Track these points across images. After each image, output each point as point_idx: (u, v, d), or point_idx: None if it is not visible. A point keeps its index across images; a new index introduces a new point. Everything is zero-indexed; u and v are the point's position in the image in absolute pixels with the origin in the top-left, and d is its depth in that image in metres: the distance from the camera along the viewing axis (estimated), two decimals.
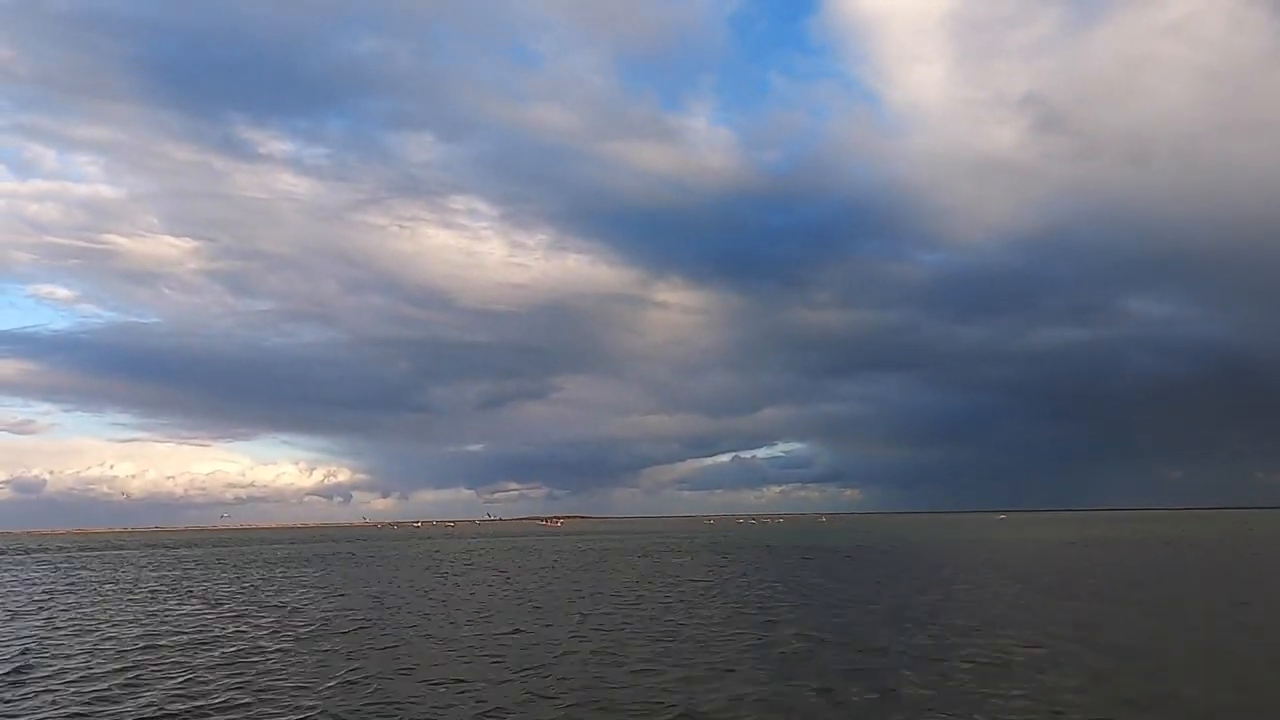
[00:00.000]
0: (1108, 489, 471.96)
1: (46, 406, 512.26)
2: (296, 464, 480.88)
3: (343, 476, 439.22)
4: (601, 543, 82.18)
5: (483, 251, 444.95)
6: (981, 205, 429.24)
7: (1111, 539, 67.99)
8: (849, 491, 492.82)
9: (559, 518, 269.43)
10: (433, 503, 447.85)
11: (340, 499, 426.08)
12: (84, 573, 46.86)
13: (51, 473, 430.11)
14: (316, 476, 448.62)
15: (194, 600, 29.19)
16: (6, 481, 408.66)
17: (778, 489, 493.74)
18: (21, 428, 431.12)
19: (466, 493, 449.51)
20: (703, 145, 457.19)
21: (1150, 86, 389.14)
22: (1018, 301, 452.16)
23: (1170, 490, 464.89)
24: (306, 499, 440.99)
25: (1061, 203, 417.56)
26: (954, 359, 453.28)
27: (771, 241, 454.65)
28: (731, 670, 14.86)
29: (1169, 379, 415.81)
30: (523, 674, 14.90)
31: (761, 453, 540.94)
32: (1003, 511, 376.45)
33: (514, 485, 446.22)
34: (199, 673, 15.26)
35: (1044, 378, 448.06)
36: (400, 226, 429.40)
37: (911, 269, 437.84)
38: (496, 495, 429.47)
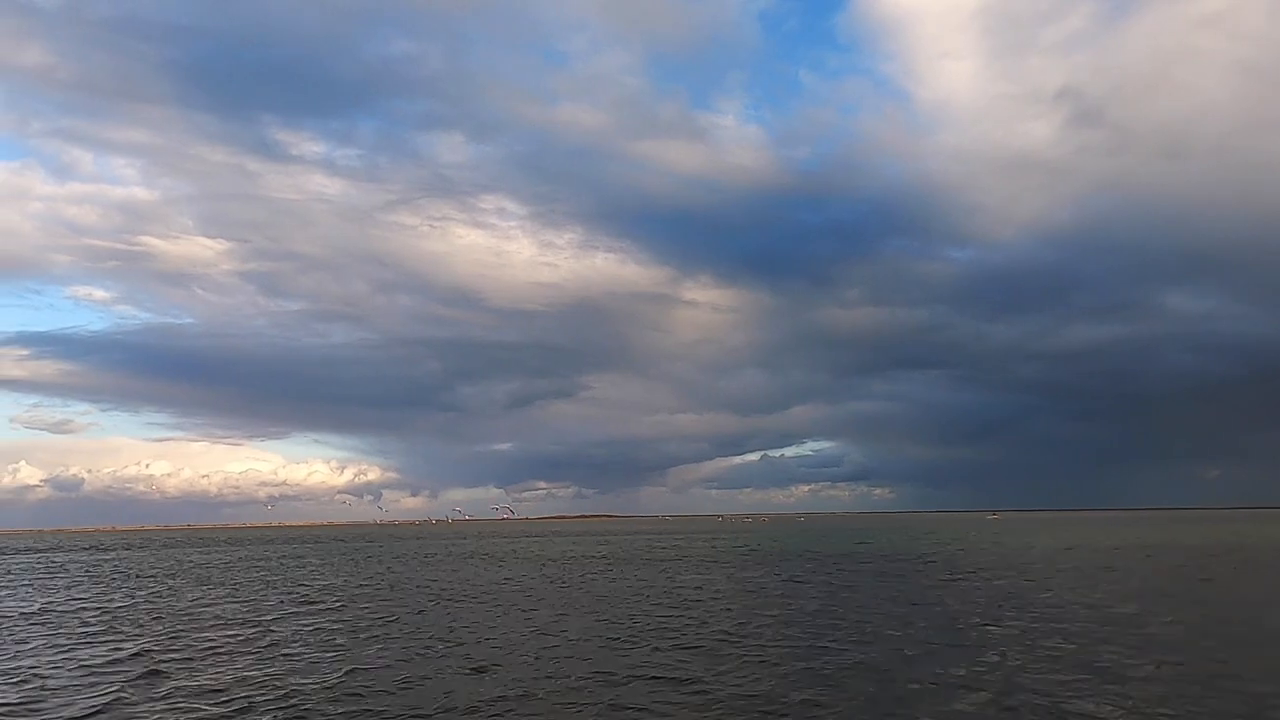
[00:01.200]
0: (1142, 488, 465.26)
1: (85, 406, 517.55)
2: (328, 463, 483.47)
3: (373, 475, 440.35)
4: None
5: (512, 251, 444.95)
6: (1013, 202, 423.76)
7: (1168, 544, 58.76)
8: (878, 491, 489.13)
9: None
10: (463, 501, 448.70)
11: (370, 497, 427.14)
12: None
13: (89, 471, 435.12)
14: (347, 475, 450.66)
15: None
16: (46, 480, 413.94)
17: (806, 488, 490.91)
18: (61, 427, 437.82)
19: (495, 491, 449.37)
20: (732, 143, 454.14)
21: (1187, 80, 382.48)
22: (1050, 298, 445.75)
23: (1207, 489, 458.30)
24: (337, 497, 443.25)
25: (1095, 198, 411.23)
26: (985, 357, 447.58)
27: (801, 240, 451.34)
28: None
29: (1205, 376, 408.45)
30: None
31: (790, 451, 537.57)
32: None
33: (542, 484, 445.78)
34: None
35: (1076, 376, 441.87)
36: (430, 226, 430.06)
37: (942, 267, 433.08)
38: (525, 494, 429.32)
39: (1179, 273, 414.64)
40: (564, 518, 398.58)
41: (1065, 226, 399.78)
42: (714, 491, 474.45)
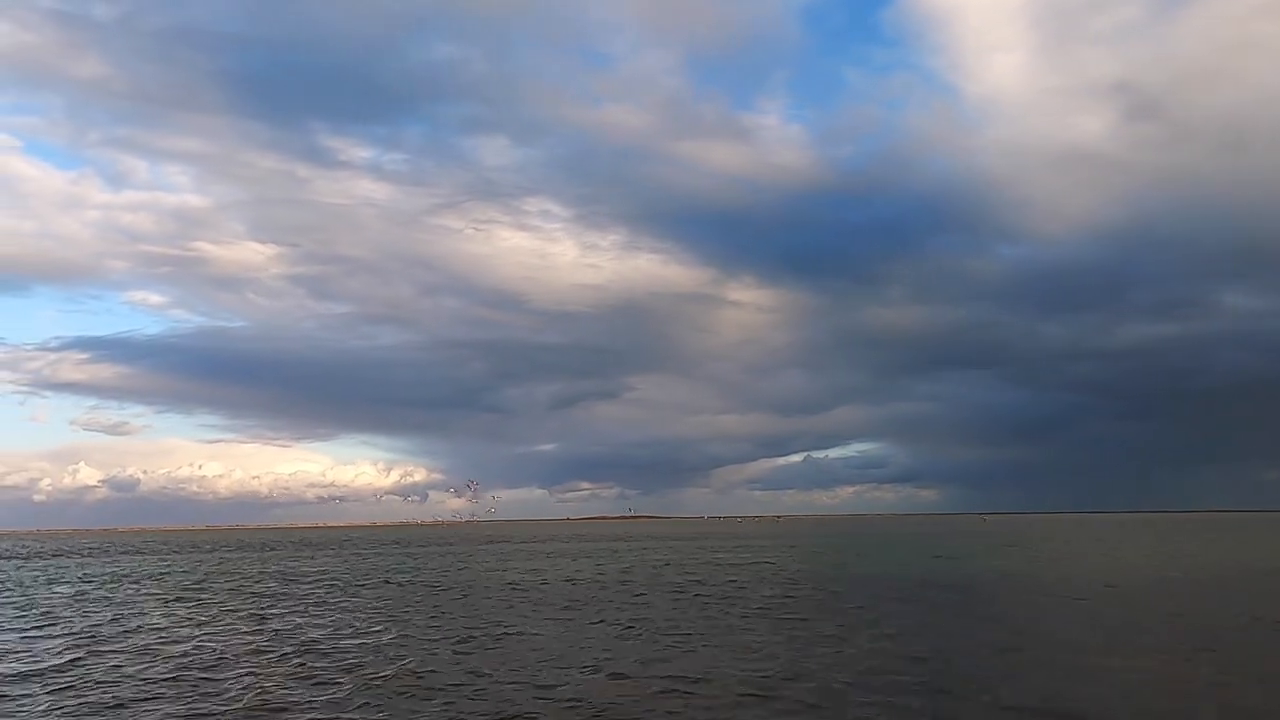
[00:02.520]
0: (1197, 490, 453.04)
1: (140, 409, 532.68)
2: (375, 464, 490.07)
3: (419, 476, 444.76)
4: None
5: (555, 253, 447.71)
6: (1065, 197, 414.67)
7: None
8: (924, 492, 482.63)
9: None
10: (507, 502, 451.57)
11: (416, 498, 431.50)
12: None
13: (145, 472, 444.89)
14: (394, 476, 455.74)
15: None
16: (104, 480, 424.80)
17: (850, 489, 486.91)
18: (118, 429, 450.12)
19: (539, 492, 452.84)
20: (775, 143, 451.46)
21: (1246, 70, 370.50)
22: (1102, 296, 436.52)
23: (1266, 492, 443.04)
24: (384, 498, 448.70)
25: (1151, 193, 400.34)
26: (1034, 356, 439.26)
27: (845, 238, 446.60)
28: None
29: (1264, 375, 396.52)
30: None
31: (834, 453, 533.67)
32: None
33: (586, 485, 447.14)
34: None
35: (1130, 375, 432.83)
36: (475, 229, 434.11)
37: (990, 264, 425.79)
38: (568, 495, 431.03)
39: (1236, 269, 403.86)
40: (605, 518, 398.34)
41: (1119, 222, 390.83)
42: (757, 492, 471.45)
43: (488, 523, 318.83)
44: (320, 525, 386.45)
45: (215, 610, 27.59)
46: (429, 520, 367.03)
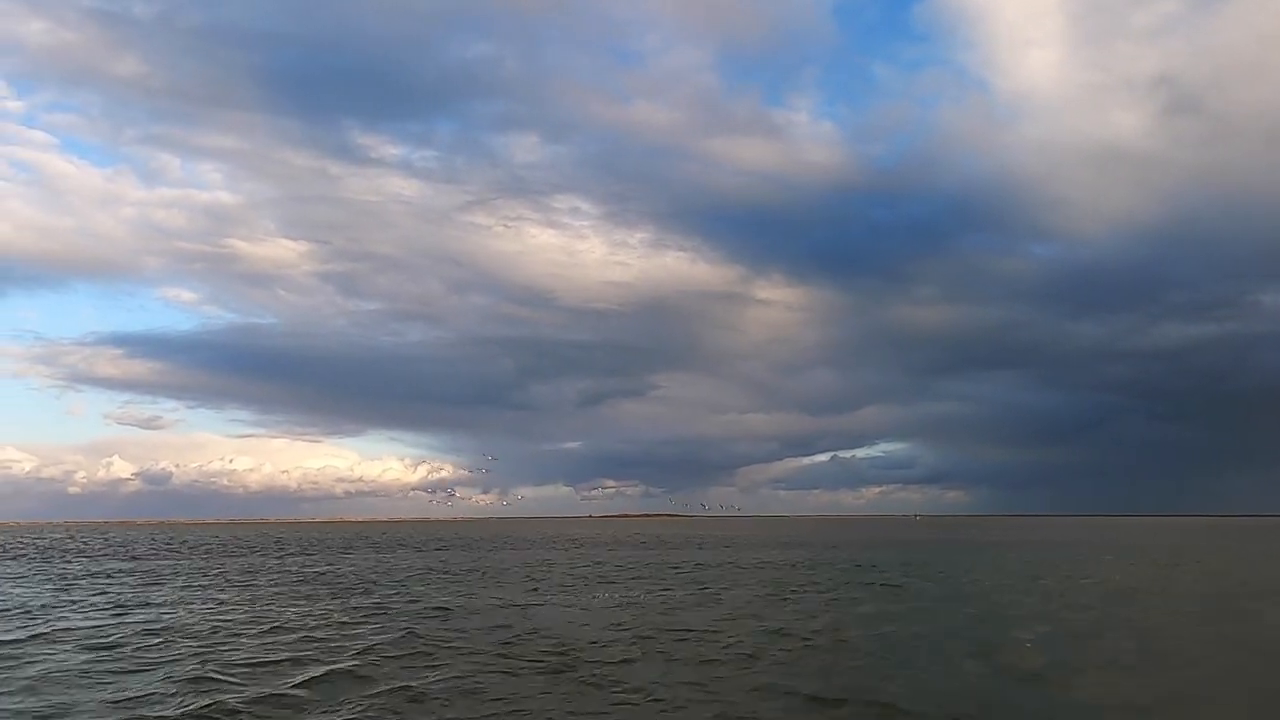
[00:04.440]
0: (1233, 493, 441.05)
1: (173, 404, 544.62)
2: (402, 460, 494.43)
3: (445, 472, 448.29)
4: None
5: (584, 250, 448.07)
6: (1100, 195, 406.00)
7: None
8: (951, 494, 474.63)
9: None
10: (533, 499, 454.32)
11: (443, 494, 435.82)
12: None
13: (177, 466, 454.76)
14: (420, 472, 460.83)
15: None
16: (138, 474, 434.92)
17: (877, 489, 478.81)
18: (151, 423, 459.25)
19: (565, 489, 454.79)
20: (805, 140, 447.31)
21: None
22: (1138, 296, 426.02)
23: None
24: (411, 494, 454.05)
25: (1190, 190, 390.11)
26: (1067, 357, 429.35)
27: (875, 237, 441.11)
28: None
29: None
30: None
31: (861, 453, 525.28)
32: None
33: (611, 482, 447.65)
34: None
35: (1166, 376, 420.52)
36: (505, 227, 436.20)
37: (1022, 263, 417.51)
38: (594, 492, 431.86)
39: (1276, 269, 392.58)
40: (627, 516, 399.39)
41: (1157, 221, 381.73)
42: (782, 492, 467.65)
43: (506, 519, 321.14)
44: (347, 520, 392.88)
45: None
46: (451, 517, 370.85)
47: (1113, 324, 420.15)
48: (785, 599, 27.12)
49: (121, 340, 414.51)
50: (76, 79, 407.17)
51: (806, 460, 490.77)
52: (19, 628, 20.41)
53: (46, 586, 32.36)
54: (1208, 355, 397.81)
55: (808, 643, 18.23)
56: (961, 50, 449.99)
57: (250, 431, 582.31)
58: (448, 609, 24.27)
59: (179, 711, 12.40)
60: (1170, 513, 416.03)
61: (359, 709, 12.62)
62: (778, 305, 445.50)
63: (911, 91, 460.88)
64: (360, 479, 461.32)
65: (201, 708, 12.54)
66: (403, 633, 19.36)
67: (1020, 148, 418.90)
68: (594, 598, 27.34)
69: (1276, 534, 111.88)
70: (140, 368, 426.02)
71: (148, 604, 25.94)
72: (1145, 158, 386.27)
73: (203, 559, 52.54)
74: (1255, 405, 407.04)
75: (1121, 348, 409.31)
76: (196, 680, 14.33)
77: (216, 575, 38.03)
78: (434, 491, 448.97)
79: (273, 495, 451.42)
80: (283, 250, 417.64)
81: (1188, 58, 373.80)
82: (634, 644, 18.00)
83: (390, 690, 13.67)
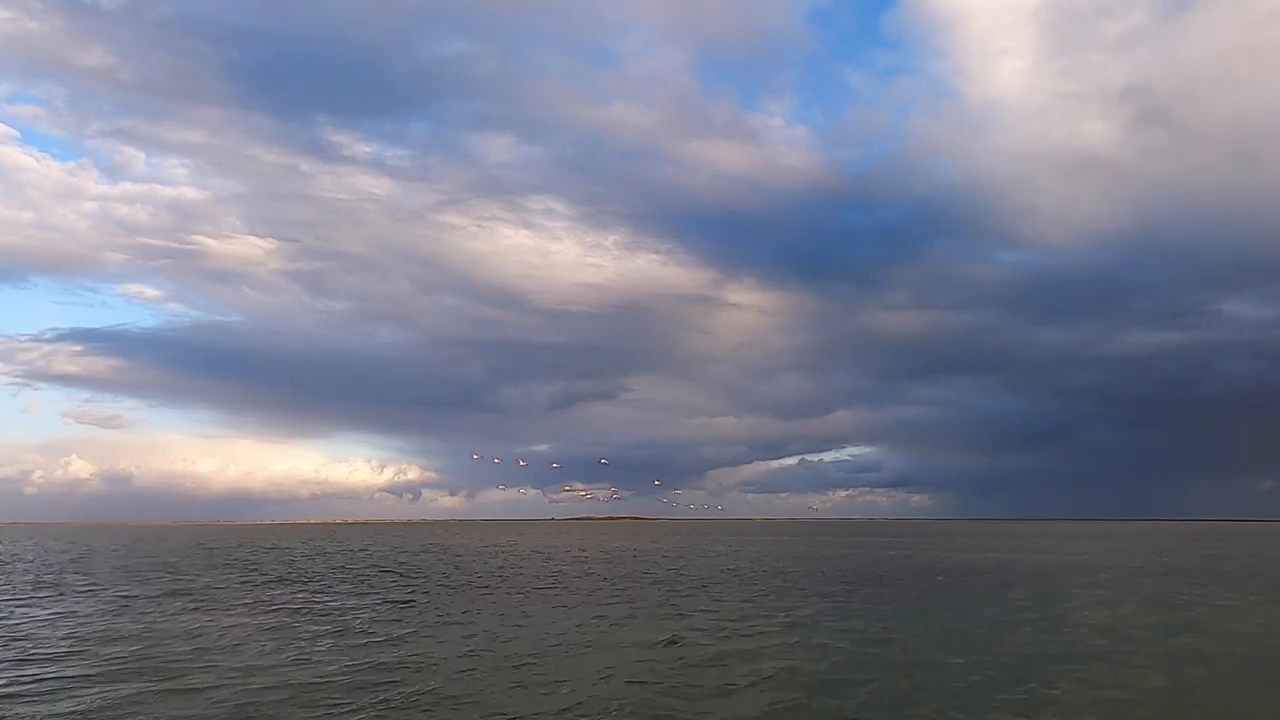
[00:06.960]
0: (1194, 499, 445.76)
1: (134, 402, 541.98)
2: (369, 462, 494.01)
3: (413, 474, 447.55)
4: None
5: (557, 251, 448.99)
6: (1070, 203, 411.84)
7: None
8: (917, 498, 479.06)
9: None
10: (500, 502, 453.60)
11: (410, 496, 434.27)
12: None
13: (138, 466, 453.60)
14: (387, 474, 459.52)
15: None
16: (96, 474, 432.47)
17: (844, 493, 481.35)
18: (111, 423, 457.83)
19: (533, 492, 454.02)
20: (780, 144, 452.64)
21: (1254, 77, 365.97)
22: (1105, 304, 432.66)
23: (1259, 501, 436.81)
24: (377, 496, 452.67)
25: (1157, 200, 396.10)
26: (1034, 363, 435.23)
27: (848, 242, 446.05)
28: None
29: (1264, 384, 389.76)
30: None
31: (829, 456, 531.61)
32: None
33: (580, 485, 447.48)
34: None
35: (1130, 383, 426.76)
36: (478, 227, 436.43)
37: (991, 270, 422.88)
38: (562, 495, 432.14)
39: (1239, 278, 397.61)
40: (591, 519, 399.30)
41: (1123, 229, 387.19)
42: (750, 495, 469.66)
43: (463, 522, 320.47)
44: (312, 522, 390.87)
45: None
46: (416, 519, 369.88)
47: (1079, 331, 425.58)
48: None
49: (81, 336, 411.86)
50: (40, 70, 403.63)
51: (775, 464, 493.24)
52: None
53: None
54: (1172, 362, 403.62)
55: None
56: (933, 58, 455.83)
57: (215, 432, 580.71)
58: None
59: None
60: (1133, 517, 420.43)
61: None
62: (750, 309, 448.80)
63: (885, 98, 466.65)
64: (326, 481, 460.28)
65: None
66: None
67: (991, 155, 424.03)
68: None
69: (1234, 538, 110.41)
70: (100, 365, 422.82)
71: None
72: (1113, 167, 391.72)
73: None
74: (1218, 412, 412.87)
75: (1087, 354, 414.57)
76: None
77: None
78: (400, 494, 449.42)
79: (237, 497, 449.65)
80: (250, 248, 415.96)
81: (1156, 69, 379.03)
82: None
83: None
